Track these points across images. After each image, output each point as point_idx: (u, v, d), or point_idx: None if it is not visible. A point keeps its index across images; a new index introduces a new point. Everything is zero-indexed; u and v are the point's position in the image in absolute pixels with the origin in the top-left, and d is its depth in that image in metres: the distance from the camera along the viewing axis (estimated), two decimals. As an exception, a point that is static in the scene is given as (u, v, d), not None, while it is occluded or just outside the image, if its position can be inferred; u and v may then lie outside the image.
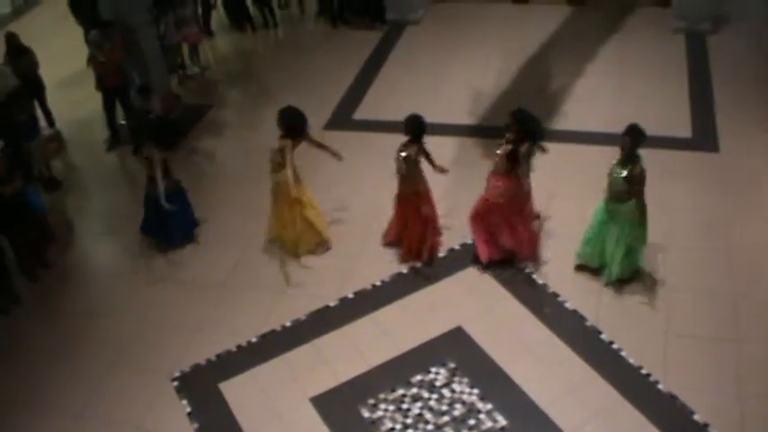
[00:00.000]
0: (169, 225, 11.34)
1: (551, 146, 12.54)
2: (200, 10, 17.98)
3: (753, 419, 8.28)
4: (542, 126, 10.16)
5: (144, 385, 9.46)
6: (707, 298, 9.78)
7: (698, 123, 13.31)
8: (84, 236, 12.42)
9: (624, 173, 9.25)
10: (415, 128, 10.02)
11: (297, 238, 10.95)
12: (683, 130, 13.09)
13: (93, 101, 14.72)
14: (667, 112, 13.51)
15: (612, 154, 9.54)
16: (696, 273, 10.15)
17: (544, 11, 17.68)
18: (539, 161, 12.45)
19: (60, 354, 10.06)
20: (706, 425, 8.24)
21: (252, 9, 18.78)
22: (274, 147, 10.49)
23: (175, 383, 9.46)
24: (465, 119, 13.71)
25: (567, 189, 11.70)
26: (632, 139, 9.21)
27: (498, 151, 9.88)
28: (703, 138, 12.92)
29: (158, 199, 10.80)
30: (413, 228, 10.57)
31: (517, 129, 9.70)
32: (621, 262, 9.77)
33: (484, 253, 10.40)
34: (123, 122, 14.60)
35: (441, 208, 10.89)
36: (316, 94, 14.65)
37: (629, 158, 9.26)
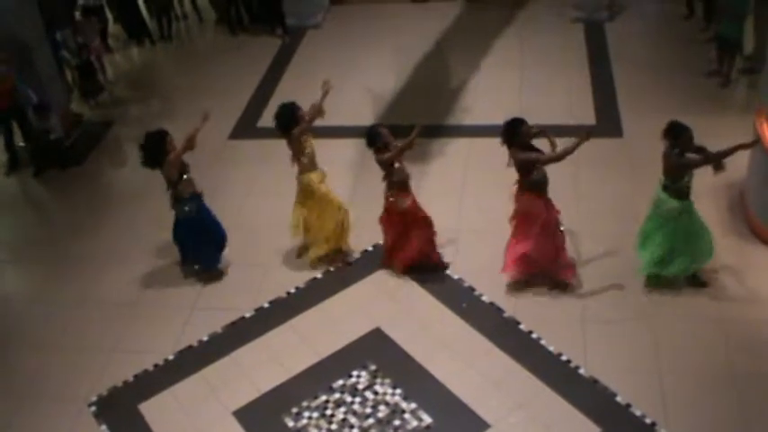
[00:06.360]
0: (202, 243, 10.69)
1: (458, 141, 12.77)
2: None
3: (672, 395, 8.43)
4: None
5: (61, 414, 9.17)
6: (620, 281, 9.89)
7: (601, 110, 13.52)
8: (-12, 265, 12.06)
9: None
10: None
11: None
12: (588, 117, 13.26)
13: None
14: (571, 101, 13.69)
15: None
16: (608, 257, 10.27)
17: (443, 7, 17.73)
18: (447, 156, 12.59)
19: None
20: (628, 405, 8.35)
21: (150, 22, 18.48)
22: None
23: (93, 408, 9.21)
24: (369, 120, 13.65)
25: (474, 183, 11.77)
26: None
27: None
28: (607, 124, 13.10)
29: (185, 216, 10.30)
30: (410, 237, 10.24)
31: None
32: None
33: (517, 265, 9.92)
34: (22, 145, 14.20)
35: (350, 211, 10.78)
36: (218, 104, 14.42)
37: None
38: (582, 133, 8.97)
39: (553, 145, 9.53)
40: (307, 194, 10.40)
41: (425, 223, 10.18)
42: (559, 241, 9.74)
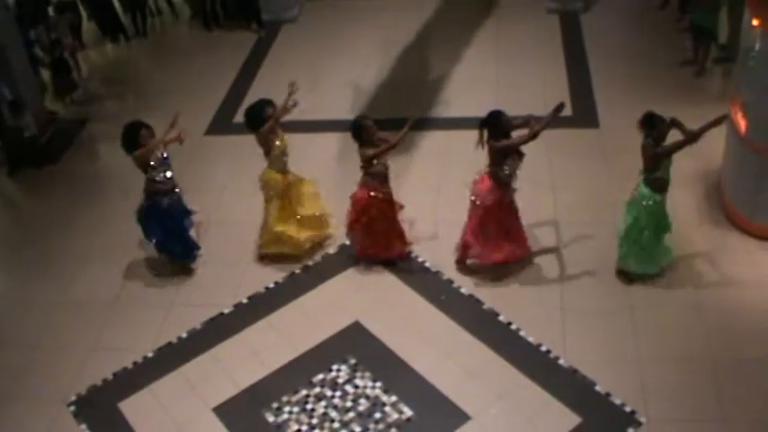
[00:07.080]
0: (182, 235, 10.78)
1: (436, 134, 12.76)
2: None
3: (652, 383, 8.47)
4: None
5: (40, 414, 9.07)
6: (598, 270, 9.94)
7: (578, 101, 13.50)
8: (-38, 266, 11.95)
9: None
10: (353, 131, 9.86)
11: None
12: (564, 108, 13.24)
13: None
14: (547, 93, 13.63)
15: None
16: (586, 246, 10.30)
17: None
18: (425, 149, 12.59)
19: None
20: (608, 394, 8.39)
21: (124, 18, 18.37)
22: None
23: (72, 408, 9.14)
24: (346, 114, 13.60)
25: (452, 176, 11.76)
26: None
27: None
28: (584, 115, 13.14)
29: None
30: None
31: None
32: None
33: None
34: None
35: (328, 204, 10.84)
36: (195, 100, 14.39)
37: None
38: (553, 110, 9.07)
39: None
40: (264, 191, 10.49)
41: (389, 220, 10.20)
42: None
